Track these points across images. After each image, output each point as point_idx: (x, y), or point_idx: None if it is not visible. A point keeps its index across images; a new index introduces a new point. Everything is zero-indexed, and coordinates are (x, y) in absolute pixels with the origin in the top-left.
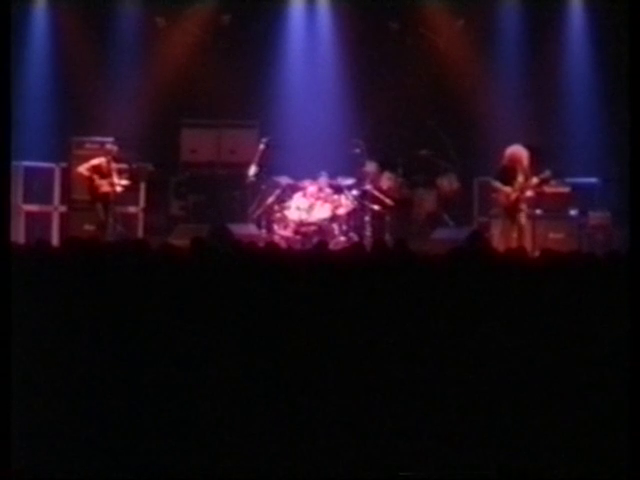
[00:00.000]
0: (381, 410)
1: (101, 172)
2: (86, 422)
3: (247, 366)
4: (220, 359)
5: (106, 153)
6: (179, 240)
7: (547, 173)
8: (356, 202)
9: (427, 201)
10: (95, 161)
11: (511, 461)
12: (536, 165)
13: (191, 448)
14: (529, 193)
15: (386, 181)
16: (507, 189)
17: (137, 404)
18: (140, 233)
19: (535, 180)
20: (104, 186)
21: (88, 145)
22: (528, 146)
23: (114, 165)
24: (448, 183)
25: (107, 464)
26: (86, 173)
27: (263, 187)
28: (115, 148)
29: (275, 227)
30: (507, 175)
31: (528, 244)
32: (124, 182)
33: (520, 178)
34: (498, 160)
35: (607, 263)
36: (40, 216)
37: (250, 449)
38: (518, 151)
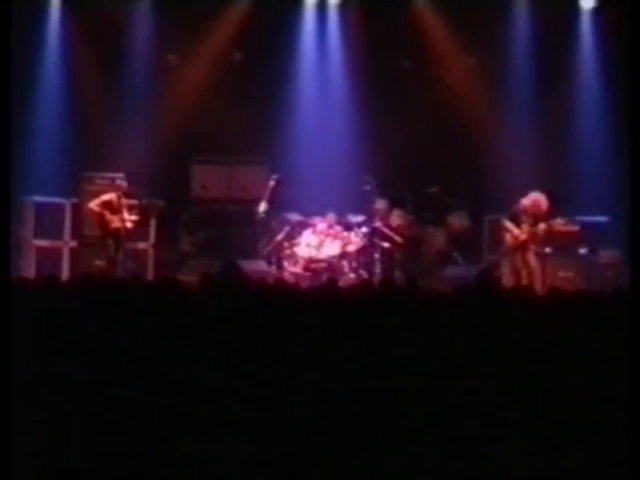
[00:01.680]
0: (388, 448)
1: (112, 208)
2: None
3: (256, 401)
4: (230, 395)
5: (116, 189)
6: (189, 276)
7: (558, 220)
8: (366, 239)
9: (437, 239)
10: (106, 197)
11: None
12: (551, 211)
13: None
14: (539, 233)
15: (396, 218)
16: (517, 231)
17: (148, 441)
18: (150, 269)
19: (543, 226)
20: (115, 222)
21: (99, 181)
22: (548, 193)
23: (124, 201)
24: (458, 221)
25: None
26: (97, 209)
27: (273, 224)
28: (125, 184)
29: (285, 264)
30: (520, 217)
31: (538, 282)
32: (134, 218)
33: (531, 221)
34: (510, 199)
35: (615, 301)
36: (51, 251)
37: None
38: (539, 199)
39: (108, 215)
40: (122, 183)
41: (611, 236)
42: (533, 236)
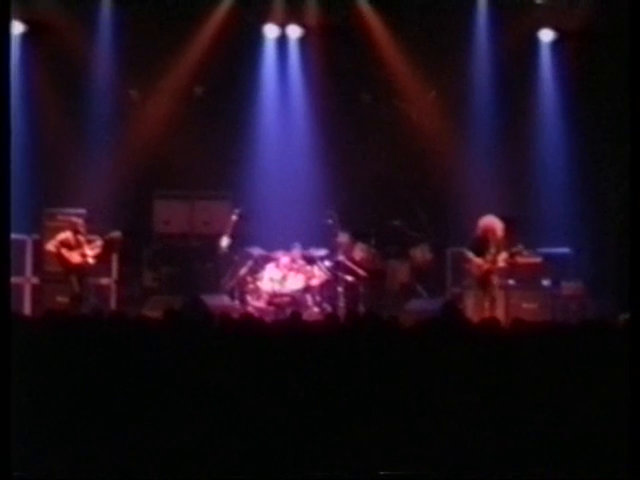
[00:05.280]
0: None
1: (69, 245)
2: None
3: (219, 434)
4: (193, 428)
5: (71, 226)
6: (153, 311)
7: (519, 247)
8: (329, 273)
9: (400, 272)
10: (61, 236)
11: None
12: (510, 236)
13: None
14: (501, 264)
15: (359, 252)
16: (479, 260)
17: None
18: (113, 305)
19: (505, 255)
20: (75, 257)
21: (60, 217)
22: (502, 217)
23: (81, 237)
24: (421, 254)
25: None
26: (54, 249)
27: (236, 258)
28: (80, 221)
29: (248, 298)
30: (480, 246)
31: (501, 314)
32: (96, 252)
33: (492, 249)
34: (471, 230)
35: (580, 333)
36: (12, 288)
37: None
38: (492, 222)
39: (66, 253)
40: (77, 220)
41: (573, 268)
42: (495, 265)
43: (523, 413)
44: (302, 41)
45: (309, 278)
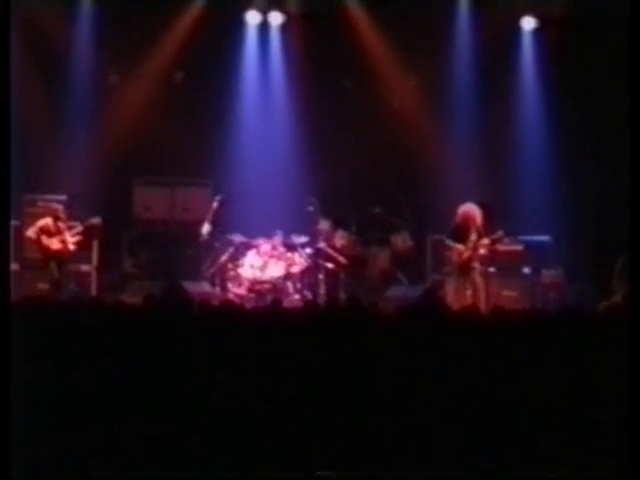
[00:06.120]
0: (334, 463)
1: (49, 232)
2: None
3: (198, 421)
4: (173, 414)
5: (51, 212)
6: (132, 298)
7: (499, 233)
8: (310, 260)
9: (381, 259)
10: (41, 222)
11: None
12: (489, 223)
13: None
14: (482, 251)
15: (340, 239)
16: (460, 247)
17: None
18: (93, 291)
19: (486, 240)
20: (55, 243)
21: (40, 203)
22: (481, 204)
23: (61, 223)
24: (402, 241)
25: None
26: (34, 236)
27: (216, 245)
28: (60, 207)
29: (229, 285)
30: (460, 233)
31: (482, 302)
32: (76, 239)
33: (473, 236)
34: (452, 217)
35: (559, 320)
36: None
37: None
38: (471, 209)
39: (46, 239)
40: (57, 206)
41: (553, 255)
42: (476, 252)
43: (502, 400)
44: (284, 28)
45: (290, 265)
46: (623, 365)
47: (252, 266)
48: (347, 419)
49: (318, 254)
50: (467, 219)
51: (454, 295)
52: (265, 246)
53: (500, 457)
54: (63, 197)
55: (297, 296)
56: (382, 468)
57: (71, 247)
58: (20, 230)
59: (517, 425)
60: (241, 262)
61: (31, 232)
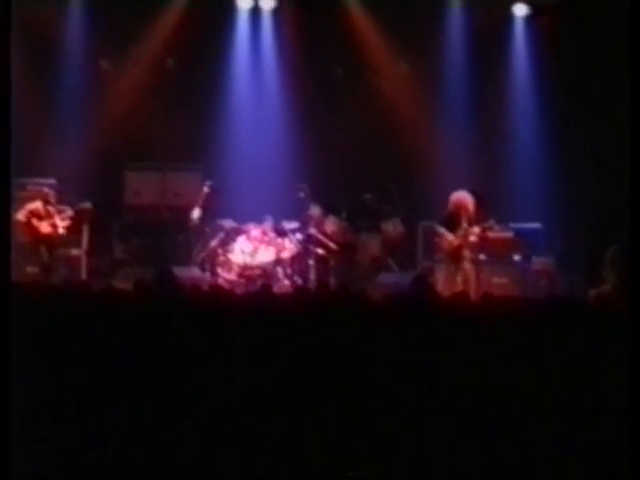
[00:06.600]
0: (323, 450)
1: (39, 215)
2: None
3: (188, 406)
4: (163, 398)
5: (41, 196)
6: (123, 283)
7: (490, 222)
8: (300, 246)
9: (371, 245)
10: (31, 205)
11: None
12: (481, 211)
13: None
14: (472, 239)
15: (330, 225)
16: (451, 236)
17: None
18: (83, 276)
19: (477, 229)
20: (45, 227)
21: (30, 187)
22: (473, 192)
23: (51, 207)
24: (392, 228)
25: None
26: (24, 219)
27: (207, 230)
28: (51, 191)
29: (219, 270)
30: (451, 221)
31: (472, 289)
32: (66, 223)
33: (464, 225)
34: (443, 206)
35: (549, 308)
36: None
37: None
38: (463, 197)
39: (36, 223)
40: (48, 191)
41: (544, 243)
42: (467, 240)
43: (492, 387)
44: (275, 13)
45: (280, 251)
46: (613, 353)
47: (242, 251)
48: (337, 405)
49: (309, 240)
50: (459, 207)
51: (444, 282)
52: (255, 231)
53: (491, 444)
54: (53, 181)
55: (287, 282)
56: (373, 454)
57: (61, 231)
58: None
59: (507, 412)
60: (231, 247)
61: (21, 215)
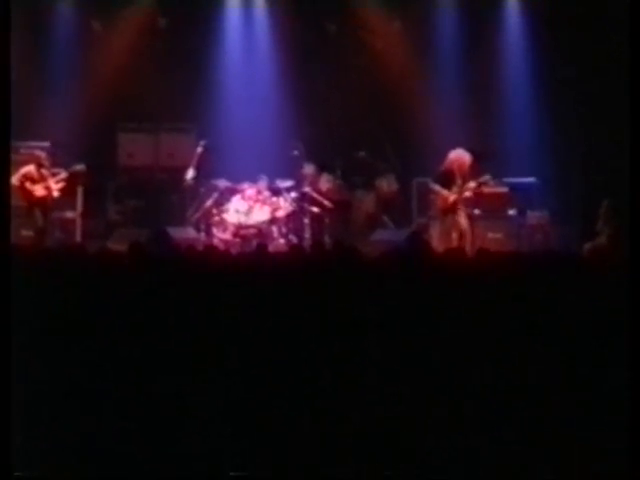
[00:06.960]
0: (317, 418)
1: (32, 179)
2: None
3: (184, 372)
4: (158, 365)
5: (35, 159)
6: (118, 245)
7: (486, 177)
8: (295, 204)
9: (366, 203)
10: (25, 169)
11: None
12: (477, 168)
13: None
14: (467, 194)
15: (325, 183)
16: (445, 192)
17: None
18: (78, 238)
19: (473, 184)
20: (39, 190)
21: (23, 150)
22: (471, 151)
23: (45, 170)
24: (387, 185)
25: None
26: (17, 183)
27: (201, 190)
28: (43, 154)
29: (214, 230)
30: (447, 178)
31: (467, 244)
32: (60, 185)
33: (459, 181)
34: (438, 162)
35: (545, 263)
36: None
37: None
38: (460, 155)
39: (30, 186)
40: (40, 153)
41: (539, 197)
42: (462, 196)
43: (487, 342)
44: None
45: (275, 210)
46: (608, 306)
47: (237, 211)
48: (332, 363)
49: (303, 198)
50: (455, 165)
51: (439, 238)
52: (250, 191)
53: (488, 403)
54: (46, 144)
55: (282, 240)
56: (368, 414)
57: (55, 194)
58: None
59: (503, 367)
60: (226, 207)
61: (14, 179)
